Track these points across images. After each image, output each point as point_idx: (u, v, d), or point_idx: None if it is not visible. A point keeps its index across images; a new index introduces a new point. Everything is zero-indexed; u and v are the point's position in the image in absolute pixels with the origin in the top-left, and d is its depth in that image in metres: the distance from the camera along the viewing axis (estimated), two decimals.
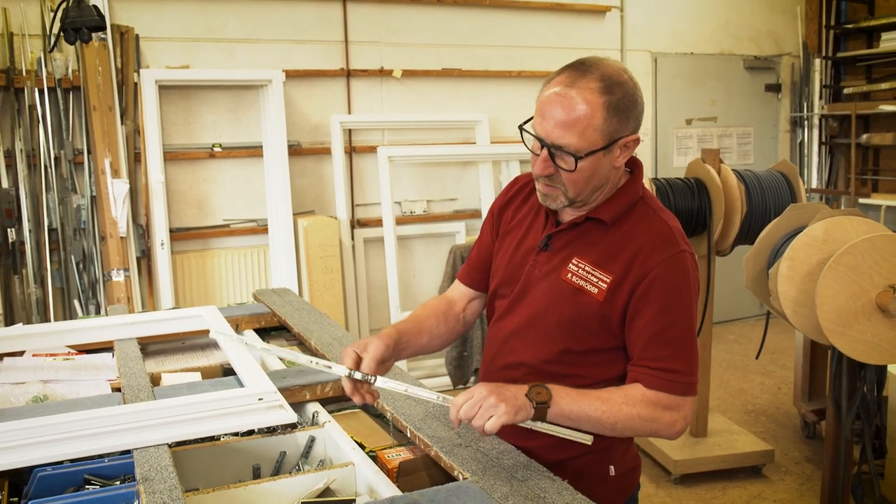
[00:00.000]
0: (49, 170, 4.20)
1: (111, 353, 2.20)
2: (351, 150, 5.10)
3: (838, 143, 6.57)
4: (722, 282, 4.41)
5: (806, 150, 6.67)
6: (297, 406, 1.82)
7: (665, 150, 6.24)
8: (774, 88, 6.64)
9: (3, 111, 4.19)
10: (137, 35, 4.44)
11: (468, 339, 4.54)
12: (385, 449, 1.62)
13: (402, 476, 1.53)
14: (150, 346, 2.38)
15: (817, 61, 6.50)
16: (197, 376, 2.03)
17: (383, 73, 5.13)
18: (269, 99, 4.66)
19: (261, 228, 4.82)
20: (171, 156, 4.57)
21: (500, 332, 1.63)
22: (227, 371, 2.12)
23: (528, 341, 1.57)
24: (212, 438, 1.62)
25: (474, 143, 5.33)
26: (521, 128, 1.50)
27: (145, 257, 4.50)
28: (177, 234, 4.62)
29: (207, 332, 2.36)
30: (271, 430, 1.67)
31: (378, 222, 5.05)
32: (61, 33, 3.55)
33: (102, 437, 1.52)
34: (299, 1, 4.86)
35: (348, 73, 5.03)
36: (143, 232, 4.45)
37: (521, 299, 1.59)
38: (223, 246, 4.79)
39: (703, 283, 3.64)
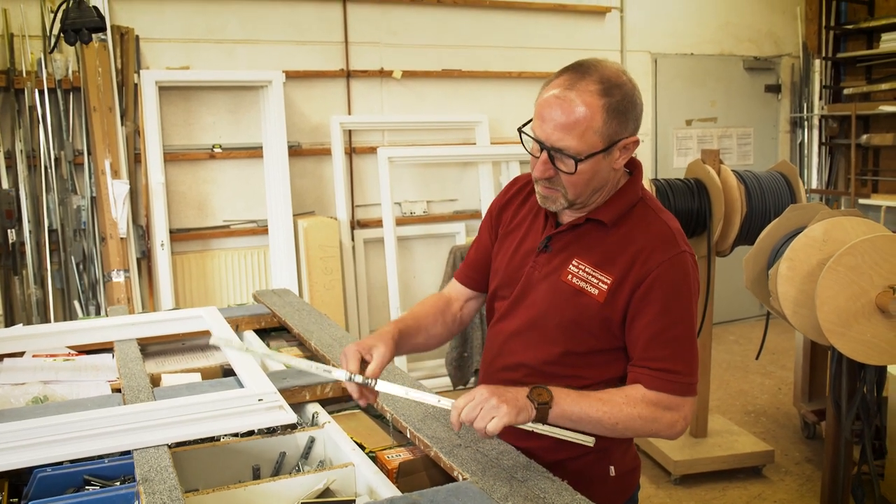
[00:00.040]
0: (49, 171, 4.20)
1: (111, 354, 2.20)
2: (351, 151, 5.10)
3: (838, 144, 6.57)
4: (722, 282, 4.41)
5: (806, 151, 6.68)
6: (297, 407, 1.82)
7: (665, 150, 6.24)
8: (774, 89, 6.64)
9: (3, 112, 4.19)
10: (137, 36, 4.44)
11: (468, 339, 4.54)
12: (385, 449, 1.62)
13: (402, 477, 1.53)
14: (150, 347, 2.38)
15: (817, 62, 6.50)
16: (197, 377, 2.03)
17: (383, 74, 5.13)
18: (269, 100, 4.67)
19: (261, 229, 4.82)
20: (172, 156, 4.57)
21: (501, 333, 1.64)
22: (227, 372, 2.12)
23: (529, 342, 1.57)
24: (212, 439, 1.62)
25: (474, 143, 5.33)
26: (520, 130, 1.49)
27: (145, 258, 4.50)
28: (177, 235, 4.62)
29: (208, 332, 2.37)
30: (271, 431, 1.67)
31: (378, 223, 5.05)
32: (61, 34, 3.55)
33: (102, 438, 1.52)
34: (299, 2, 4.86)
35: (348, 74, 5.03)
36: (143, 233, 4.45)
37: (521, 301, 1.59)
38: (223, 247, 4.80)
39: (704, 284, 3.64)
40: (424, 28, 5.24)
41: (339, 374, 1.44)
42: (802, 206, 3.21)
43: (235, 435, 1.64)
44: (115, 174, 4.26)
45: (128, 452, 1.50)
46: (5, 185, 4.15)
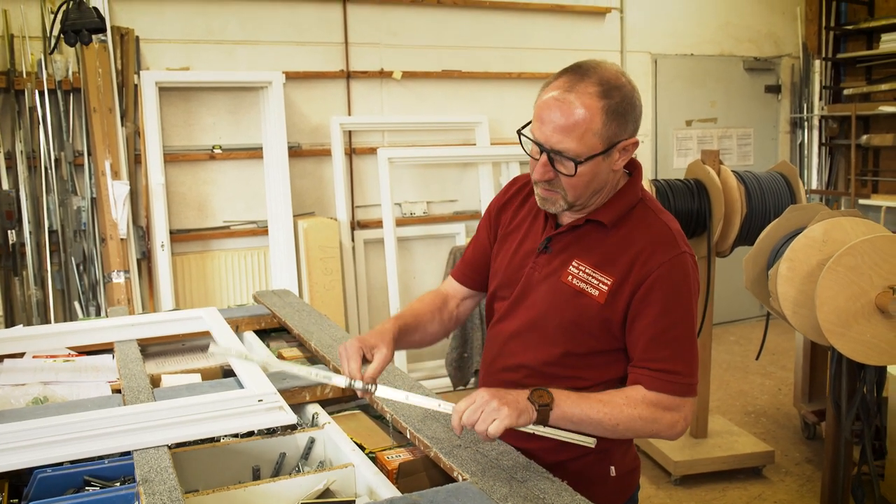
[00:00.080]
0: (49, 171, 4.20)
1: (111, 355, 2.20)
2: (351, 152, 5.10)
3: (838, 144, 6.57)
4: (722, 283, 4.41)
5: (806, 152, 6.68)
6: (297, 407, 1.82)
7: (665, 151, 6.24)
8: (774, 90, 6.65)
9: (3, 113, 4.19)
10: (137, 37, 4.45)
11: (468, 340, 4.55)
12: (385, 450, 1.62)
13: (402, 477, 1.53)
14: (151, 348, 2.38)
15: (817, 62, 6.50)
16: (197, 378, 2.03)
17: (383, 75, 5.13)
18: (269, 100, 4.67)
19: (261, 230, 4.83)
20: (172, 157, 4.57)
21: (501, 333, 1.64)
22: (227, 372, 2.12)
23: (529, 343, 1.57)
24: (212, 440, 1.62)
25: (474, 144, 5.33)
26: (519, 132, 1.49)
27: (145, 259, 4.50)
28: (177, 236, 4.62)
29: (208, 333, 2.37)
30: (271, 432, 1.67)
31: (378, 224, 5.05)
32: (61, 35, 3.55)
33: (102, 439, 1.52)
34: (299, 3, 4.87)
35: (348, 75, 5.03)
36: (143, 233, 4.45)
37: (521, 301, 1.59)
38: (223, 247, 4.80)
39: (703, 285, 3.65)
40: (424, 29, 5.24)
41: (339, 381, 1.44)
42: (802, 206, 3.21)
43: (235, 435, 1.64)
44: (116, 175, 4.26)
45: (128, 453, 1.50)
46: (5, 186, 4.15)
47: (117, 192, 4.23)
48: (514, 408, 1.33)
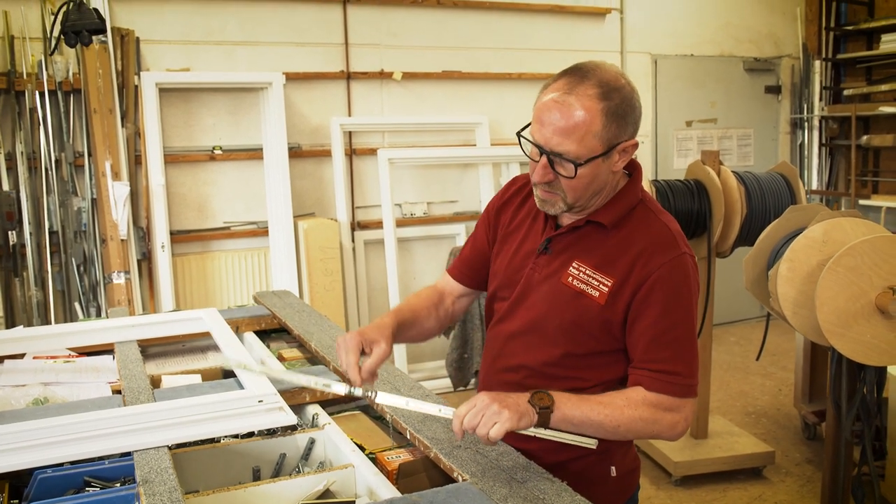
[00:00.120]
0: (50, 172, 4.21)
1: (112, 356, 2.21)
2: (351, 153, 5.10)
3: (838, 145, 6.57)
4: (722, 283, 4.41)
5: (806, 152, 6.68)
6: (297, 408, 1.82)
7: (665, 151, 6.24)
8: (774, 90, 6.65)
9: (3, 114, 4.19)
10: (138, 38, 4.45)
11: (469, 340, 4.54)
12: (385, 451, 1.62)
13: (402, 478, 1.53)
14: (151, 349, 2.38)
15: (817, 63, 6.50)
16: (197, 378, 2.03)
17: (383, 76, 5.13)
18: (269, 101, 4.67)
19: (261, 231, 4.83)
20: (172, 158, 4.58)
21: (501, 334, 1.64)
22: (228, 373, 2.12)
23: (529, 344, 1.57)
24: (212, 440, 1.62)
25: (474, 145, 5.34)
26: (518, 134, 1.49)
27: (146, 260, 4.50)
28: (177, 237, 4.63)
29: (208, 334, 2.37)
30: (271, 433, 1.67)
31: (378, 224, 5.05)
32: (62, 36, 3.56)
33: (103, 440, 1.52)
34: (299, 3, 4.87)
35: (348, 76, 5.04)
36: (143, 234, 4.45)
37: (521, 302, 1.59)
38: (223, 248, 4.80)
39: (704, 285, 3.65)
40: (424, 30, 5.24)
41: (339, 388, 1.45)
42: (802, 206, 3.22)
43: (236, 436, 1.64)
44: (116, 176, 4.26)
45: (128, 454, 1.50)
46: (6, 187, 4.15)
47: (118, 193, 4.23)
48: (515, 411, 1.33)
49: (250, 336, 2.48)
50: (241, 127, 4.79)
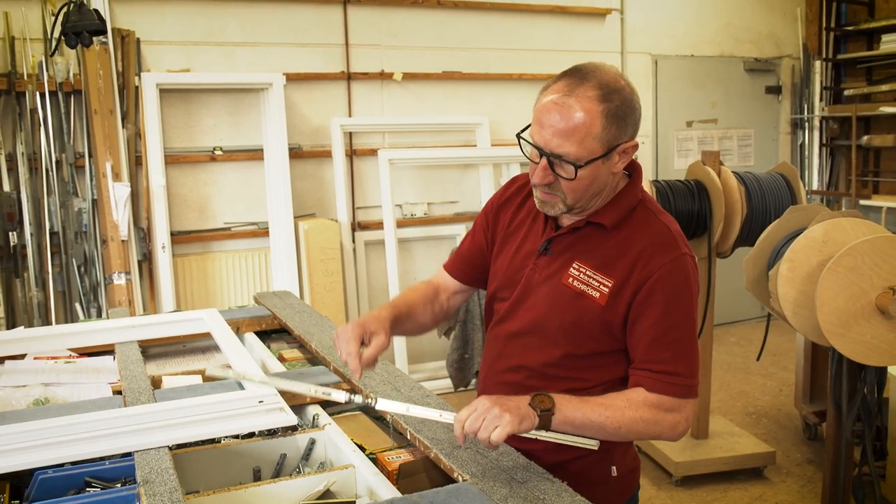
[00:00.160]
0: (50, 173, 4.21)
1: (112, 356, 2.21)
2: (351, 153, 5.11)
3: (839, 145, 6.57)
4: (722, 284, 4.41)
5: (806, 152, 6.68)
6: (298, 409, 1.82)
7: (666, 152, 6.24)
8: (775, 90, 6.65)
9: (4, 115, 4.20)
10: (138, 39, 4.45)
11: (469, 341, 4.55)
12: (385, 451, 1.62)
13: (402, 478, 1.53)
14: (151, 349, 2.38)
15: (817, 63, 6.50)
16: (198, 379, 2.04)
17: (384, 77, 5.14)
18: (269, 102, 4.67)
19: (262, 231, 4.83)
20: (172, 159, 4.58)
21: (501, 335, 1.64)
22: None
23: (530, 345, 1.57)
24: (212, 441, 1.62)
25: (475, 145, 5.34)
26: (518, 136, 1.49)
27: (146, 260, 4.50)
28: (178, 238, 4.63)
29: (208, 334, 2.37)
30: (272, 433, 1.67)
31: (379, 225, 5.05)
32: (62, 37, 3.56)
33: (103, 440, 1.53)
34: (299, 4, 4.87)
35: (349, 77, 5.04)
36: (144, 235, 4.46)
37: (522, 303, 1.59)
38: (224, 249, 4.80)
39: (704, 286, 3.65)
40: (425, 30, 5.25)
41: (339, 396, 1.46)
42: (802, 207, 3.22)
43: (236, 437, 1.64)
44: (116, 177, 4.26)
45: (129, 454, 1.50)
46: (6, 188, 4.16)
47: (118, 194, 4.23)
48: (516, 414, 1.33)
49: (251, 337, 2.49)
50: (241, 128, 4.79)
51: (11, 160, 4.18)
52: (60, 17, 3.61)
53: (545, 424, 1.37)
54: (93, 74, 4.22)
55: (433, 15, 5.26)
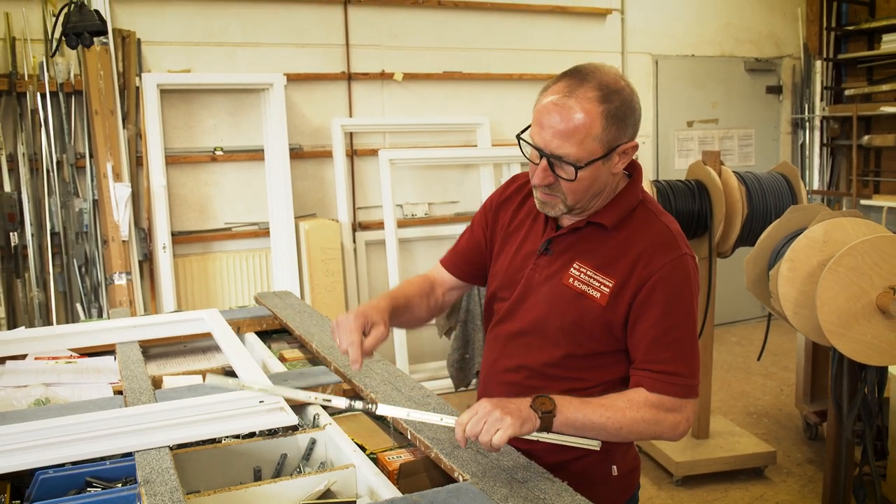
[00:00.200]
0: (51, 174, 4.21)
1: (113, 357, 2.21)
2: (352, 153, 5.11)
3: (839, 145, 6.57)
4: (723, 284, 4.41)
5: (807, 152, 6.68)
6: (298, 409, 1.82)
7: (666, 152, 6.24)
8: (775, 90, 6.65)
9: (5, 115, 4.20)
10: (139, 39, 4.45)
11: (470, 341, 4.55)
12: (386, 451, 1.62)
13: (403, 478, 1.53)
14: (152, 349, 2.39)
15: (818, 63, 6.50)
16: (198, 379, 2.04)
17: (384, 77, 5.14)
18: (270, 102, 4.67)
19: (262, 231, 4.83)
20: (173, 159, 4.58)
21: (501, 335, 1.64)
22: (229, 374, 2.12)
23: (530, 345, 1.57)
24: (213, 441, 1.62)
25: (475, 145, 5.34)
26: (518, 137, 1.50)
27: (147, 261, 4.50)
28: (178, 238, 4.63)
29: (209, 334, 2.37)
30: (272, 433, 1.67)
31: (379, 225, 5.05)
32: (63, 38, 3.57)
33: (104, 440, 1.53)
34: (300, 4, 4.87)
35: (349, 77, 5.04)
36: (144, 235, 4.46)
37: (522, 303, 1.59)
38: (225, 249, 4.80)
39: (705, 286, 3.65)
40: (425, 30, 5.25)
41: (340, 402, 1.46)
42: (803, 207, 3.21)
43: (237, 437, 1.64)
44: (117, 177, 4.27)
45: (129, 454, 1.50)
46: (7, 189, 4.16)
47: (119, 194, 4.23)
48: (517, 417, 1.33)
49: (251, 337, 2.49)
50: (242, 128, 4.79)
51: (12, 160, 4.18)
52: (61, 18, 3.62)
53: (546, 426, 1.37)
54: (93, 75, 4.22)
55: (433, 15, 5.26)
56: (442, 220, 5.37)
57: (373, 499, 1.44)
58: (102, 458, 1.50)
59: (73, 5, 3.51)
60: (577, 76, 1.41)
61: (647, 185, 3.45)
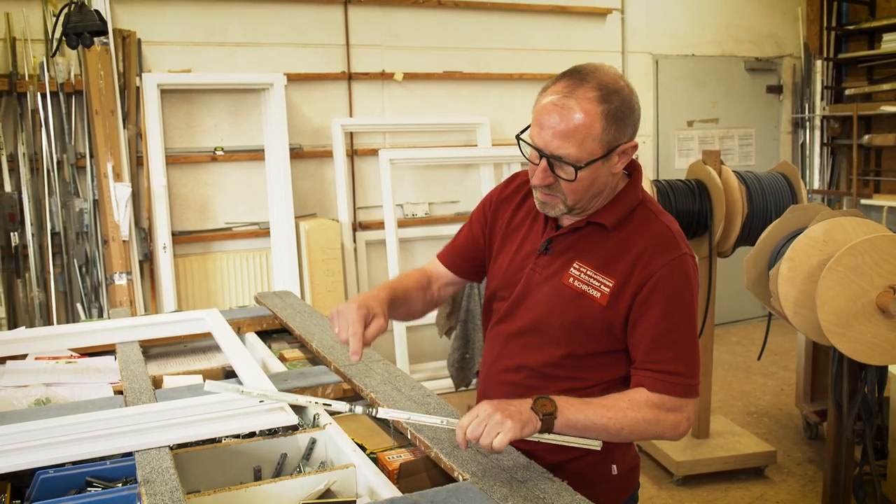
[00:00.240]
0: (52, 174, 4.21)
1: (113, 356, 2.21)
2: (352, 153, 5.11)
3: (840, 145, 6.57)
4: (723, 283, 4.41)
5: (807, 152, 6.68)
6: (298, 408, 1.82)
7: (666, 151, 6.24)
8: (776, 90, 6.64)
9: (5, 115, 4.20)
10: (139, 39, 4.46)
11: (470, 341, 4.54)
12: (386, 450, 1.62)
13: (403, 477, 1.53)
14: (153, 349, 2.39)
15: (818, 62, 6.50)
16: (198, 379, 2.04)
17: (385, 77, 5.14)
18: (270, 102, 4.67)
19: (263, 231, 4.83)
20: (173, 159, 4.58)
21: (501, 334, 1.64)
22: (229, 373, 2.12)
23: (530, 345, 1.57)
24: (213, 440, 1.62)
25: (476, 145, 5.34)
26: (518, 137, 1.50)
27: (147, 261, 4.51)
28: (179, 238, 4.63)
29: (209, 334, 2.37)
30: (272, 433, 1.67)
31: (380, 225, 5.05)
32: (63, 38, 3.57)
33: (104, 440, 1.53)
34: (300, 4, 4.87)
35: (350, 77, 5.04)
36: (145, 235, 4.46)
37: (522, 303, 1.59)
38: (225, 249, 4.80)
39: (705, 285, 3.65)
40: (425, 30, 5.25)
41: (340, 406, 1.48)
42: (803, 206, 3.21)
43: (237, 436, 1.65)
44: (118, 177, 4.27)
45: (130, 454, 1.51)
46: (8, 189, 4.16)
47: (119, 194, 4.23)
48: (518, 419, 1.33)
49: (252, 336, 2.49)
50: (242, 128, 4.79)
51: (13, 161, 4.18)
52: (61, 18, 3.61)
53: (547, 428, 1.37)
54: (94, 75, 4.22)
55: (434, 15, 5.26)
56: (442, 220, 5.38)
57: (373, 498, 1.44)
58: (102, 458, 1.50)
59: (73, 5, 3.51)
60: (576, 76, 1.41)
61: (647, 185, 3.45)
